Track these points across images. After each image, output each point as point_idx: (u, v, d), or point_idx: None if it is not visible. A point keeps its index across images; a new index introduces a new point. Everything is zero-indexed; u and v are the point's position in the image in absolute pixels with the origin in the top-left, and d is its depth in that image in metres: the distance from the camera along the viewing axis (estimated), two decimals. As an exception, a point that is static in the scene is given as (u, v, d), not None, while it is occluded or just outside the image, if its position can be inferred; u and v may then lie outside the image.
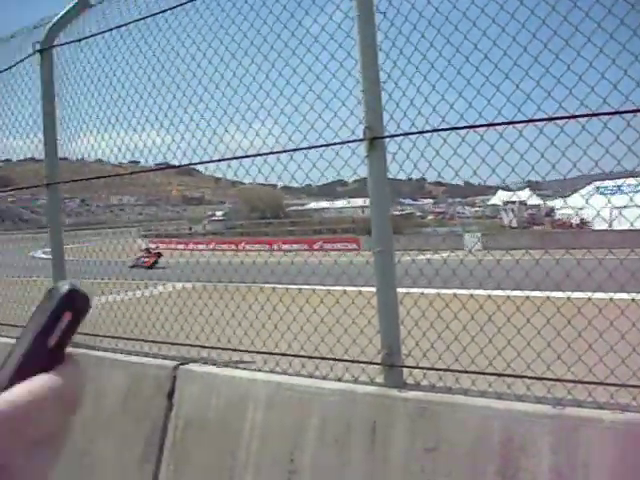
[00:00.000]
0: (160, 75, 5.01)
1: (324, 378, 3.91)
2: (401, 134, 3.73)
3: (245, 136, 4.60)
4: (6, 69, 6.27)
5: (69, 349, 0.55)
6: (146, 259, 10.30)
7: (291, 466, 3.68)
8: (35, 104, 5.91)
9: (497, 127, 3.49)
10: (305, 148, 4.15)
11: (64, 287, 0.53)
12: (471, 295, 3.89)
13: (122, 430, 4.39)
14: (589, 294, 3.58)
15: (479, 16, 3.54)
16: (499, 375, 3.45)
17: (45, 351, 0.51)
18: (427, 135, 3.68)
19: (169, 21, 4.92)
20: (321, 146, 4.06)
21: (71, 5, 5.63)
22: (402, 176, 3.98)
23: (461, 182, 4.18)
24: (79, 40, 5.58)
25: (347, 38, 3.95)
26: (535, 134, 3.35)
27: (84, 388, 0.53)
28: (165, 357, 4.65)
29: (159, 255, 10.62)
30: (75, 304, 0.53)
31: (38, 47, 5.69)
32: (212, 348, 4.59)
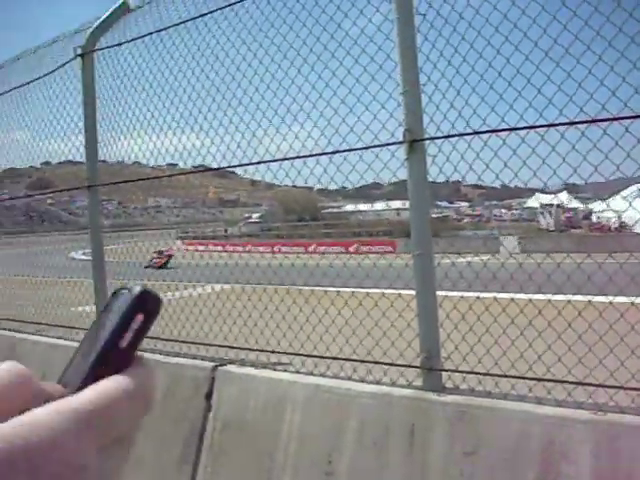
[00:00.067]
0: (200, 78, 5.12)
1: (362, 381, 3.95)
2: (441, 137, 3.76)
3: (284, 139, 4.67)
4: (48, 73, 6.44)
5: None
6: (158, 260, 10.79)
7: (329, 468, 3.73)
8: (77, 108, 6.07)
9: (538, 129, 3.49)
10: (345, 151, 4.21)
11: (136, 289, 0.54)
12: (512, 299, 3.89)
13: (161, 431, 4.47)
14: (632, 299, 3.57)
15: (520, 17, 3.55)
16: (539, 380, 3.45)
17: (118, 353, 0.52)
18: (467, 137, 3.70)
19: (209, 25, 5.02)
20: (361, 149, 4.10)
21: (112, 9, 5.78)
22: (439, 178, 4.01)
23: (497, 184, 4.18)
24: (119, 44, 5.72)
25: (386, 40, 4.00)
26: (576, 136, 3.35)
27: (155, 389, 0.54)
28: (203, 358, 4.73)
29: (170, 257, 11.12)
30: (147, 306, 0.53)
31: (79, 51, 5.84)
32: (250, 350, 4.66)
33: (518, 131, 3.56)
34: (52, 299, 7.06)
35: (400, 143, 3.78)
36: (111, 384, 0.50)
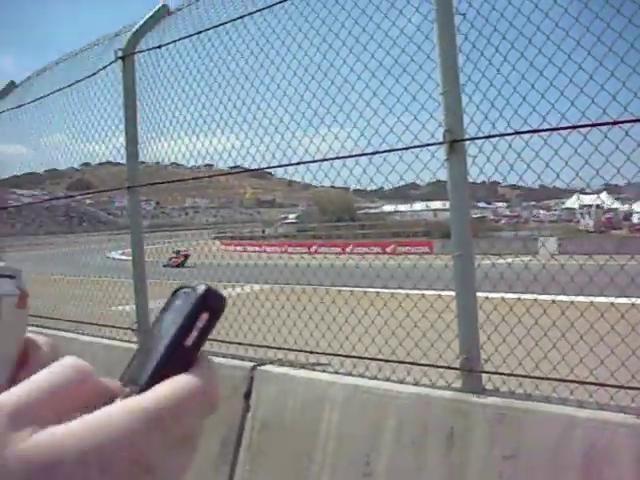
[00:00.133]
0: (239, 80, 5.20)
1: (401, 382, 3.98)
2: (482, 137, 3.77)
3: (324, 139, 4.72)
4: (90, 76, 6.58)
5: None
6: (175, 259, 11.20)
7: (367, 468, 3.77)
8: (117, 110, 6.20)
9: (581, 129, 3.48)
10: (385, 151, 4.24)
11: (200, 287, 0.54)
12: (553, 300, 3.88)
13: (198, 431, 4.52)
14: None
15: (562, 16, 3.54)
16: (581, 383, 3.44)
17: (183, 351, 0.52)
18: (508, 138, 3.70)
19: (248, 26, 5.09)
20: (401, 149, 4.13)
21: (152, 12, 5.90)
22: (478, 179, 4.02)
23: (535, 185, 4.17)
24: (159, 47, 5.83)
25: (426, 40, 4.02)
26: (620, 136, 3.33)
27: (219, 388, 0.54)
28: (242, 358, 4.80)
29: (186, 257, 11.49)
30: (212, 304, 0.53)
31: (120, 54, 5.96)
32: (289, 350, 4.72)
33: (560, 131, 3.55)
34: (91, 298, 7.21)
35: (440, 144, 3.80)
36: (179, 384, 0.50)
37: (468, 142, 3.77)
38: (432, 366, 3.95)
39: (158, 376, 0.51)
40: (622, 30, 3.24)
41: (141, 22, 5.94)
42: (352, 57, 4.43)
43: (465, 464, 3.45)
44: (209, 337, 0.54)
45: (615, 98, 3.34)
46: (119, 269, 7.59)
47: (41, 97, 7.50)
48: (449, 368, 3.84)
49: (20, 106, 7.83)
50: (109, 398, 0.51)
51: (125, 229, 6.15)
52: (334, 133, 4.68)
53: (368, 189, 5.48)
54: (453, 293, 3.79)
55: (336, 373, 4.33)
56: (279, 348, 4.81)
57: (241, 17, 5.10)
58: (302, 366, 4.54)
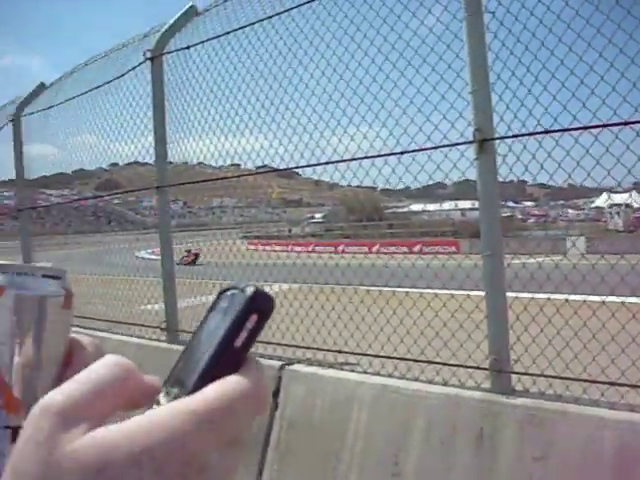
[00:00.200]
0: (267, 80, 5.24)
1: (430, 382, 3.99)
2: (512, 136, 3.76)
3: (352, 139, 4.75)
4: (119, 76, 6.67)
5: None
6: (186, 258, 11.55)
7: (395, 468, 3.78)
8: (147, 110, 6.27)
9: (612, 128, 3.46)
10: (414, 151, 4.25)
11: (249, 289, 0.54)
12: (584, 301, 3.86)
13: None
14: None
15: (592, 14, 3.52)
16: (612, 384, 3.42)
17: (232, 353, 0.52)
18: (538, 137, 3.69)
19: (276, 26, 5.12)
20: (430, 148, 4.14)
21: (180, 13, 5.97)
22: (508, 178, 4.01)
23: (564, 184, 4.14)
24: (187, 47, 5.89)
25: (455, 39, 4.02)
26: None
27: (268, 389, 0.56)
28: (271, 357, 4.83)
29: (197, 255, 11.81)
30: (260, 306, 0.54)
31: (149, 55, 6.03)
32: (317, 349, 4.75)
33: (591, 130, 3.54)
34: (121, 297, 7.31)
35: (470, 143, 3.81)
36: (230, 385, 0.50)
37: (498, 141, 3.77)
38: (461, 366, 3.95)
39: (207, 377, 0.51)
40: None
41: (170, 23, 6.01)
42: (380, 56, 4.45)
43: (494, 465, 3.45)
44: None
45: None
46: (148, 268, 7.69)
47: (70, 98, 7.61)
48: (478, 368, 3.84)
49: (50, 107, 7.96)
50: (152, 395, 0.52)
51: (153, 229, 6.22)
52: (363, 132, 4.70)
53: (393, 188, 5.47)
54: (482, 293, 3.80)
55: (365, 373, 4.36)
56: (307, 347, 4.85)
57: (269, 17, 5.14)
58: (330, 366, 4.57)
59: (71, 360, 0.65)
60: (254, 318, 0.53)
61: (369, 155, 4.57)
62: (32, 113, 8.23)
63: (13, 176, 8.54)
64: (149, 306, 6.63)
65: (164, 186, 6.00)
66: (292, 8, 4.92)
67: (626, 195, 4.81)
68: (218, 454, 0.49)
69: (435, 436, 3.71)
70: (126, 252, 9.28)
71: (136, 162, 7.34)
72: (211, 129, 5.82)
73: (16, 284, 0.62)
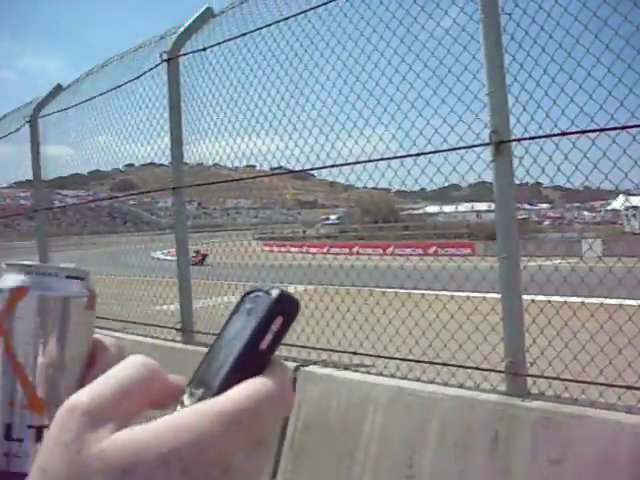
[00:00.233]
0: (283, 81, 5.27)
1: (445, 384, 3.99)
2: (529, 138, 3.75)
3: (368, 140, 4.76)
4: (135, 78, 6.72)
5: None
6: (194, 258, 11.76)
7: (410, 470, 3.79)
8: (162, 111, 6.32)
9: (630, 129, 3.45)
10: (429, 152, 4.26)
11: (274, 291, 0.54)
12: (600, 304, 3.85)
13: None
14: None
15: (611, 14, 3.51)
16: (629, 388, 3.41)
17: (258, 355, 0.52)
18: (555, 139, 3.68)
19: (292, 28, 5.14)
20: (446, 150, 4.15)
21: (196, 15, 6.01)
22: (524, 180, 4.01)
23: (580, 186, 4.13)
24: (204, 49, 5.93)
25: (471, 41, 4.02)
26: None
27: (293, 390, 0.54)
28: (286, 358, 4.85)
29: (204, 256, 12.00)
30: (286, 308, 0.53)
31: (165, 57, 6.07)
32: (332, 351, 4.76)
33: (608, 132, 3.53)
34: (136, 297, 7.35)
35: (486, 145, 3.80)
36: (256, 386, 0.50)
37: (514, 143, 3.76)
38: (477, 369, 3.95)
39: (232, 379, 0.51)
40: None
41: (186, 25, 6.05)
42: (397, 58, 4.45)
43: (510, 468, 3.44)
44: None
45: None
46: (163, 269, 7.72)
47: (87, 100, 7.68)
48: (494, 371, 3.84)
49: (66, 109, 8.03)
50: (176, 395, 0.52)
51: (168, 229, 6.26)
52: (378, 134, 4.71)
53: (408, 190, 5.47)
54: (498, 295, 3.79)
55: (380, 375, 4.36)
56: (323, 349, 4.86)
57: (285, 19, 5.16)
58: (346, 367, 4.58)
59: (94, 361, 0.66)
60: (279, 321, 0.53)
61: (385, 157, 4.58)
62: (49, 114, 8.31)
63: (30, 177, 8.62)
64: (164, 307, 6.67)
65: (180, 187, 6.03)
66: (308, 10, 4.94)
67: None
68: (243, 455, 0.49)
69: (450, 438, 3.71)
70: (142, 253, 9.33)
71: (152, 163, 7.39)
72: (227, 130, 5.86)
73: (40, 285, 0.63)
